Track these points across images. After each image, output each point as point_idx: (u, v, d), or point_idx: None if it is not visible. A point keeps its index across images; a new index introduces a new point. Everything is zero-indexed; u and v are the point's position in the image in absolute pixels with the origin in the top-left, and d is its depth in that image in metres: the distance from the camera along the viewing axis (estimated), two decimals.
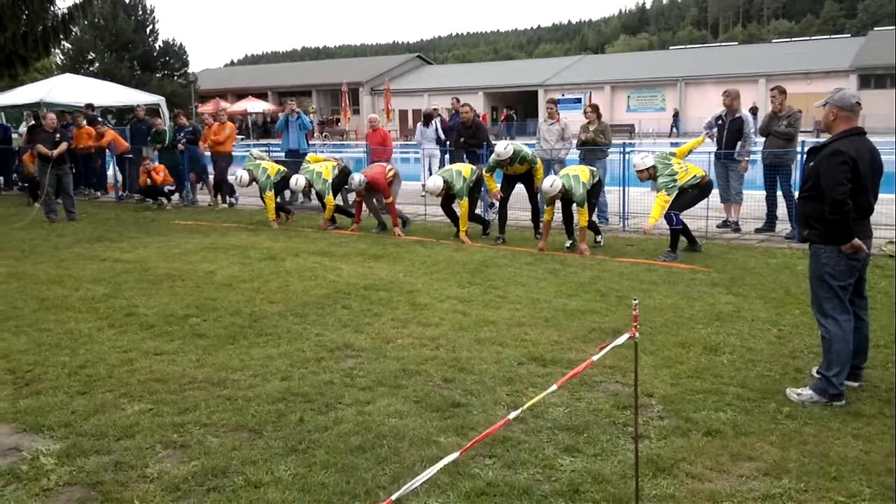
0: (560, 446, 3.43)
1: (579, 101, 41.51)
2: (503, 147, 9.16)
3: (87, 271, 7.41)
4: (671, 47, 69.02)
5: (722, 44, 65.99)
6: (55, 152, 11.24)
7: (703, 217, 9.01)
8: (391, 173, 10.15)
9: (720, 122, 9.55)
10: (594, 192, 8.56)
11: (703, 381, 4.23)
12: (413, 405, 3.94)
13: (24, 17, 14.55)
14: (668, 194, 7.70)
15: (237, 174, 11.21)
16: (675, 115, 41.48)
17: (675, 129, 39.74)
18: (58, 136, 11.58)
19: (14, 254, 8.51)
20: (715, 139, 9.70)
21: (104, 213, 12.54)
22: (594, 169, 8.70)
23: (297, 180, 10.53)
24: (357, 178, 9.86)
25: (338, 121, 46.82)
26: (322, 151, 17.43)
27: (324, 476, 3.17)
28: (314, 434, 3.58)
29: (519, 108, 48.44)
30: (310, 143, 14.88)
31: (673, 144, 24.54)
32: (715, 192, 9.35)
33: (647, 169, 7.90)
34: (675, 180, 7.76)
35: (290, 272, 7.26)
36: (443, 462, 2.37)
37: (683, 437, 3.52)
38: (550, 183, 8.09)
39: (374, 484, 3.10)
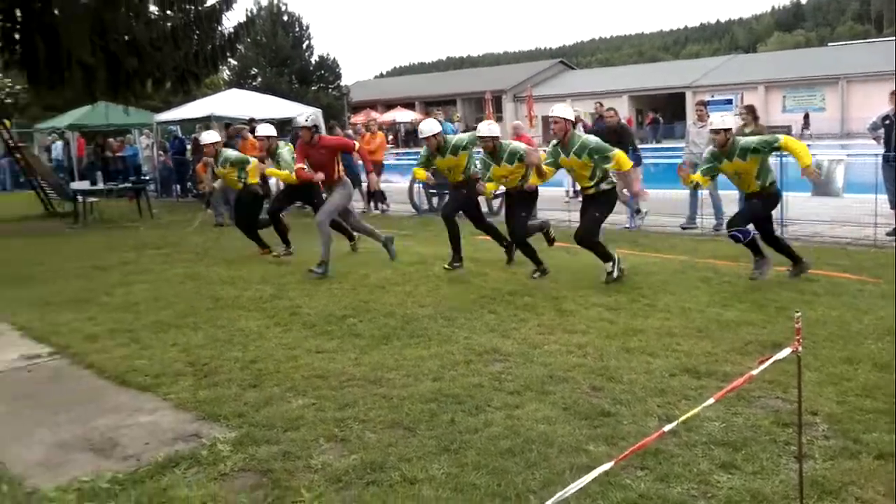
0: (716, 462, 3.33)
1: (730, 102, 39.63)
2: (486, 125, 7.50)
3: (255, 273, 7.97)
4: (830, 44, 64.37)
5: (887, 38, 60.86)
6: (202, 165, 12.25)
7: (871, 224, 8.40)
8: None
9: (887, 122, 8.87)
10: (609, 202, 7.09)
11: (873, 400, 3.96)
12: (561, 412, 3.96)
13: (196, 37, 15.79)
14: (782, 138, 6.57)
15: (205, 133, 10.25)
16: (806, 117, 38.89)
17: (806, 131, 37.15)
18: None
19: (190, 256, 9.29)
20: (882, 141, 9.03)
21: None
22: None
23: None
24: (306, 114, 8.29)
25: None
26: None
27: (475, 477, 3.25)
28: (465, 435, 3.68)
29: (665, 110, 46.98)
30: None
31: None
32: (883, 197, 8.70)
33: (724, 130, 6.56)
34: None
35: (440, 276, 7.46)
36: (597, 471, 2.39)
37: (852, 459, 3.32)
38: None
39: (524, 488, 3.14)
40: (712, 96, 41.08)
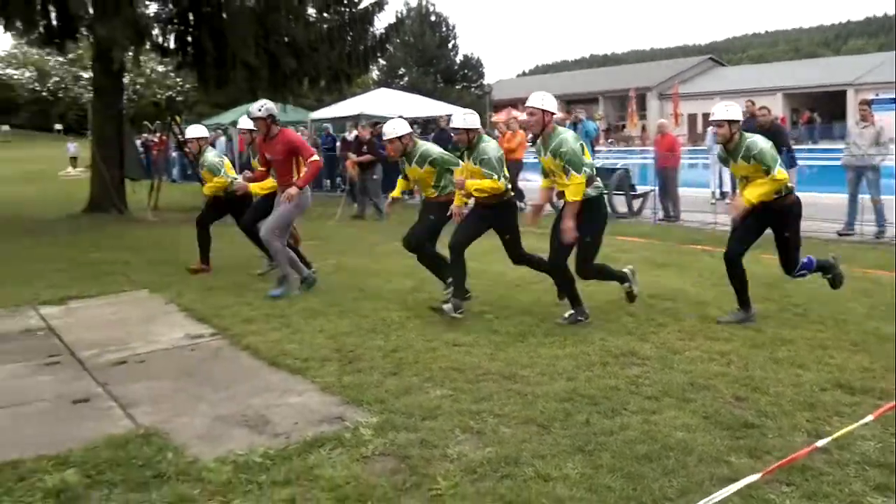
0: (870, 483, 3.13)
1: None
2: (461, 115, 6.20)
3: (397, 266, 8.23)
4: None
5: None
6: (351, 161, 12.98)
7: None
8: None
9: None
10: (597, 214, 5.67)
11: None
12: (701, 420, 3.85)
13: (349, 38, 16.47)
14: (783, 168, 5.46)
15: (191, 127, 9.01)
16: None
17: None
18: (364, 146, 13.29)
19: (340, 248, 9.74)
20: None
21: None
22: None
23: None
24: (259, 104, 6.87)
25: (623, 127, 46.37)
26: (607, 157, 17.55)
27: (610, 479, 3.23)
28: (600, 437, 3.66)
29: (823, 109, 44.00)
30: (595, 149, 15.01)
31: None
32: None
33: (728, 122, 5.42)
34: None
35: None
36: (742, 482, 2.33)
37: None
38: None
39: (660, 494, 3.09)
40: (877, 94, 37.99)
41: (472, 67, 45.48)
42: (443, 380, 4.54)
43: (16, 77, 56.21)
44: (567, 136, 5.57)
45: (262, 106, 6.79)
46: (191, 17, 15.27)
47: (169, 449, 3.67)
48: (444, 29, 45.36)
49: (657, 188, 12.24)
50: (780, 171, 5.40)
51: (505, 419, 3.92)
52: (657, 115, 44.99)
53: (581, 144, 5.59)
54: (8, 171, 30.21)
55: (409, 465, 3.45)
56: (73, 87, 53.39)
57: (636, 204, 12.93)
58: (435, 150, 6.46)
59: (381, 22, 16.90)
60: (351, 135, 16.92)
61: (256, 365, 5.05)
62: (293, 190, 6.61)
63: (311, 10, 16.08)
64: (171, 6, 15.39)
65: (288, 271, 6.95)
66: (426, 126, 18.97)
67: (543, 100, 5.55)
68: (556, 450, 3.53)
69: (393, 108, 17.91)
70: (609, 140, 42.68)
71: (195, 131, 8.44)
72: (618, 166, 14.33)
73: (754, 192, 5.43)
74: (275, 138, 6.78)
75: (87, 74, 42.80)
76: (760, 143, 5.46)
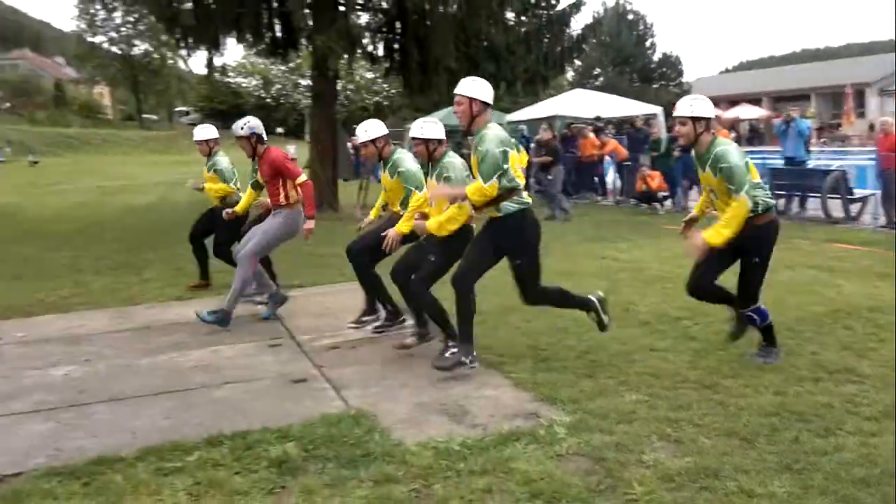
0: None
1: None
2: (418, 124, 5.16)
3: (589, 267, 8.20)
4: None
5: None
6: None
7: None
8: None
9: None
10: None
11: None
12: None
13: (546, 40, 16.53)
14: (749, 198, 4.44)
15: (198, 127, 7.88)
16: None
17: None
18: (543, 149, 13.67)
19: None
20: None
21: (602, 215, 13.65)
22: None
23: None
24: (242, 121, 6.36)
25: (838, 125, 42.62)
26: (819, 158, 16.27)
27: (821, 501, 3.05)
28: (811, 456, 3.45)
29: None
30: (808, 150, 13.95)
31: None
32: None
33: (692, 120, 4.50)
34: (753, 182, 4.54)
35: (784, 284, 6.96)
36: None
37: None
38: None
39: None
40: None
41: (671, 65, 43.95)
42: (638, 384, 4.49)
43: (244, 85, 61.99)
44: (488, 135, 4.51)
45: (245, 124, 6.30)
46: (398, 25, 16.05)
47: (376, 430, 3.94)
48: (641, 27, 44.25)
49: (879, 192, 11.20)
50: (743, 198, 4.42)
51: (705, 429, 3.81)
52: (877, 112, 40.90)
53: (505, 151, 4.52)
54: (239, 171, 33.49)
55: (603, 467, 3.45)
56: (293, 93, 58.07)
57: (854, 209, 11.92)
58: (406, 162, 5.50)
59: (578, 23, 16.76)
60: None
61: None
62: (311, 224, 6.20)
63: (510, 14, 16.31)
64: (380, 16, 16.29)
65: (232, 307, 6.26)
66: (620, 126, 18.58)
67: (472, 86, 4.57)
68: (761, 466, 3.38)
69: (587, 108, 17.77)
70: (822, 140, 39.38)
71: (205, 132, 7.53)
72: (833, 167, 13.24)
73: (721, 234, 4.48)
74: (262, 157, 6.35)
75: (304, 82, 46.43)
76: (732, 156, 4.48)
